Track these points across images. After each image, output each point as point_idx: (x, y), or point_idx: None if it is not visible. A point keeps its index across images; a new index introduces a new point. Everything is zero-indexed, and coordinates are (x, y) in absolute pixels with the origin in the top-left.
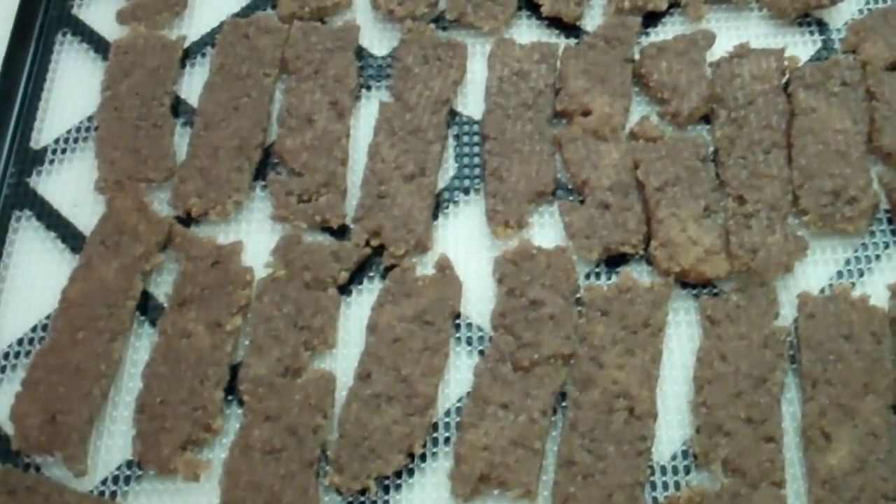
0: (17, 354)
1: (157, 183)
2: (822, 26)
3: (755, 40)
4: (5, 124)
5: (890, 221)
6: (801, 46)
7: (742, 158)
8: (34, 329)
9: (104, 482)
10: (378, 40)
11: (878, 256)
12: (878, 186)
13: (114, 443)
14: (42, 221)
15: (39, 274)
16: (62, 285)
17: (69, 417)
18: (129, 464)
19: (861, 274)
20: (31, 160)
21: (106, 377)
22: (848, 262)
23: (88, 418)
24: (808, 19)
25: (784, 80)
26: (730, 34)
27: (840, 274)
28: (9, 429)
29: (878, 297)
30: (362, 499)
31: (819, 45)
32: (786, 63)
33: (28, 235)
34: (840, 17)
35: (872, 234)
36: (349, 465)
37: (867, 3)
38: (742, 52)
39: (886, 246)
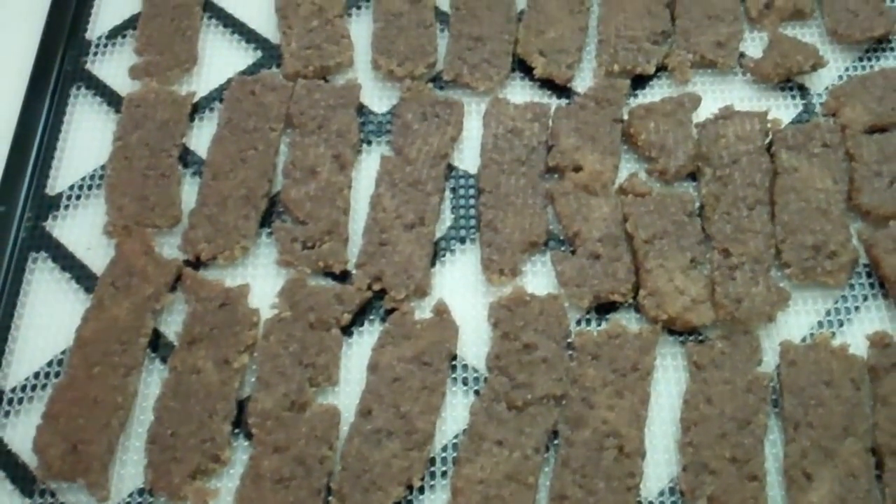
0: (33, 387)
1: (163, 228)
2: (803, 91)
3: (739, 103)
4: (22, 171)
5: (869, 275)
6: (783, 109)
7: (727, 214)
8: (50, 364)
9: None
10: (378, 98)
11: (857, 308)
12: (858, 242)
13: (126, 472)
14: (57, 263)
15: (54, 312)
16: (76, 323)
17: (90, 447)
18: (141, 491)
19: (841, 324)
20: (47, 205)
21: (123, 409)
22: (828, 312)
23: (108, 447)
24: (790, 84)
25: (767, 141)
26: (715, 97)
27: (821, 324)
28: (27, 457)
29: (858, 347)
30: None
31: (800, 108)
32: (769, 125)
33: (44, 276)
34: (821, 83)
35: (852, 286)
36: (351, 496)
37: (846, 69)
38: (727, 114)
39: (865, 298)
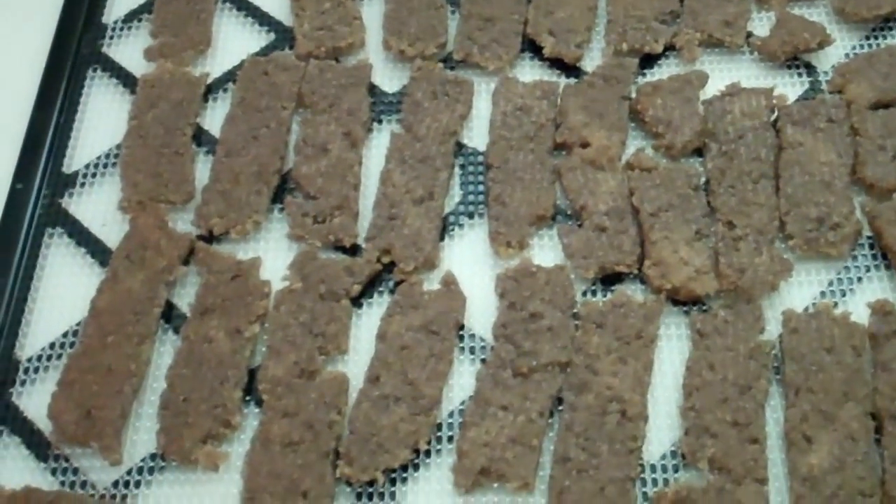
0: (48, 357)
1: (176, 204)
2: (809, 69)
3: (746, 81)
4: (40, 150)
5: (872, 247)
6: (790, 87)
7: (732, 187)
8: (65, 335)
9: (129, 472)
10: (389, 78)
11: (859, 279)
12: (861, 214)
13: (139, 437)
14: (73, 238)
15: (70, 285)
16: (91, 296)
17: (103, 412)
18: (153, 456)
19: (843, 294)
20: (64, 183)
21: (136, 376)
22: (831, 283)
23: (121, 412)
24: (796, 62)
25: (773, 118)
26: (722, 75)
27: (823, 294)
28: (42, 424)
29: (860, 316)
30: (370, 490)
31: (807, 86)
32: (775, 101)
33: (60, 251)
34: (827, 61)
35: (855, 258)
36: (359, 458)
37: (853, 48)
38: (733, 91)
39: (868, 269)
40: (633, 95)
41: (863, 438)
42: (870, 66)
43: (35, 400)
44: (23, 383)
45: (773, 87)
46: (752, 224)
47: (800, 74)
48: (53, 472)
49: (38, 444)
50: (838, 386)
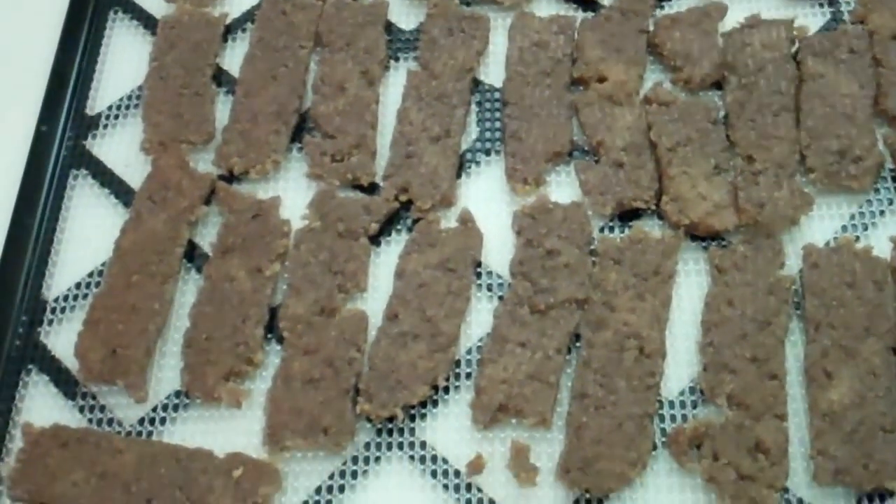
0: (75, 297)
1: (197, 144)
2: (831, 0)
3: (766, 12)
4: (63, 94)
5: (894, 179)
6: (810, 18)
7: (751, 121)
8: (90, 275)
9: (154, 409)
10: (406, 16)
11: (882, 212)
12: (884, 147)
13: (163, 375)
14: (97, 179)
15: (94, 226)
16: (115, 236)
17: (129, 351)
18: (178, 394)
19: (865, 228)
20: (87, 125)
21: (160, 315)
22: (853, 217)
23: (146, 351)
24: None
25: (794, 49)
26: (742, 7)
27: (845, 228)
28: (70, 363)
29: (882, 250)
30: (390, 426)
31: (828, 16)
32: (795, 33)
33: (84, 192)
34: None
35: (877, 191)
36: (378, 395)
37: None
38: (753, 23)
39: (891, 202)
40: (651, 29)
41: (884, 374)
42: None
43: (62, 339)
44: (50, 323)
45: (793, 18)
46: (772, 158)
47: (821, 5)
48: (81, 409)
49: (65, 383)
50: (859, 321)
